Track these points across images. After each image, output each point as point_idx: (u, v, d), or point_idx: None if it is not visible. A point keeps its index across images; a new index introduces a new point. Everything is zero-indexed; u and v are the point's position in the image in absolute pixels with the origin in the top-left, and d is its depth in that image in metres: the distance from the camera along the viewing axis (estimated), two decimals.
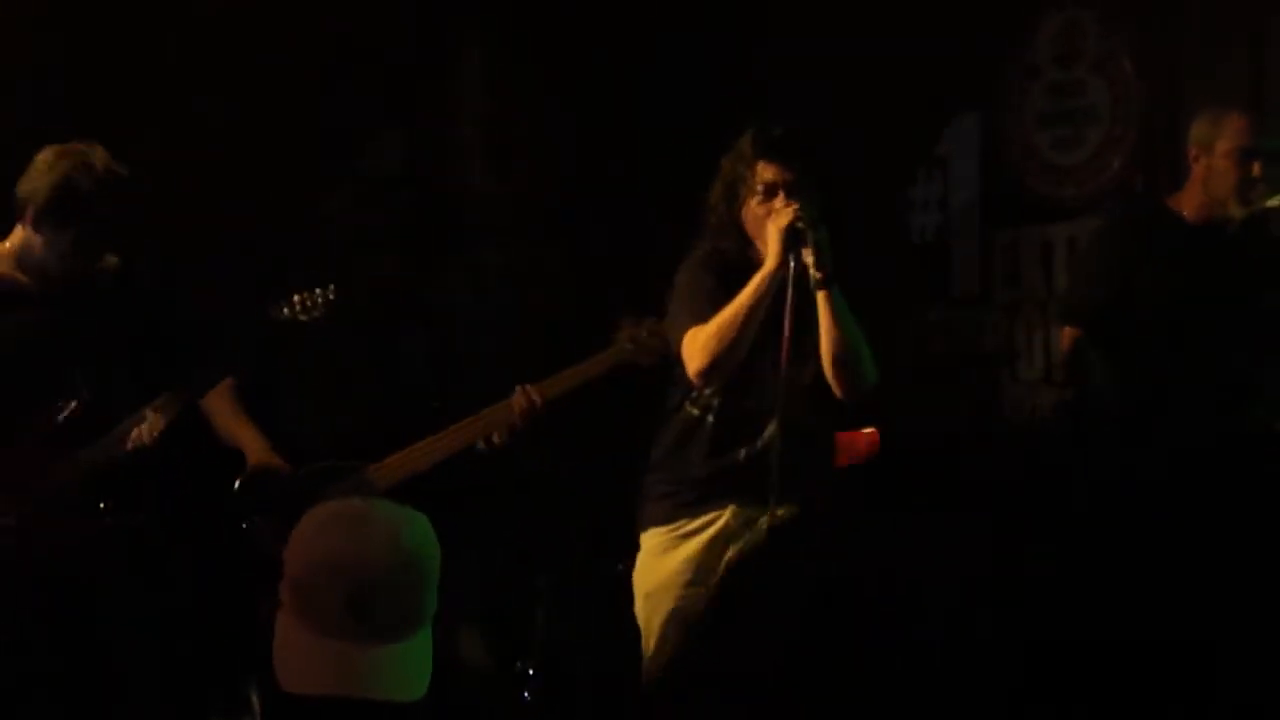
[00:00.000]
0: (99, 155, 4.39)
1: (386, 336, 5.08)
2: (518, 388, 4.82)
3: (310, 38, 5.95)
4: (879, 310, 6.25)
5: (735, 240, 4.31)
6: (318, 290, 4.65)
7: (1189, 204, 4.79)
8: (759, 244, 4.24)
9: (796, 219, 4.08)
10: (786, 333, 4.06)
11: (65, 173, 4.34)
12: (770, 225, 4.14)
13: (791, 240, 4.09)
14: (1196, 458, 0.95)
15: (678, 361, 4.29)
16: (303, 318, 4.64)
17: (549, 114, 6.39)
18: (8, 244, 4.49)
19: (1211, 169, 4.71)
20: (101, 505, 4.50)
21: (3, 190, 4.48)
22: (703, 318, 4.21)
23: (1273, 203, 4.70)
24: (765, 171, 4.23)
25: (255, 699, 4.32)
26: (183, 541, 4.92)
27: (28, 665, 4.33)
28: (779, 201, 4.17)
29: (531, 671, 5.44)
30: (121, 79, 5.53)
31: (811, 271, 4.07)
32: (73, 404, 4.44)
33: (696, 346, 4.19)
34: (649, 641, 4.30)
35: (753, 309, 4.13)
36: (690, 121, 6.18)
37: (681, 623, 4.19)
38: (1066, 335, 4.91)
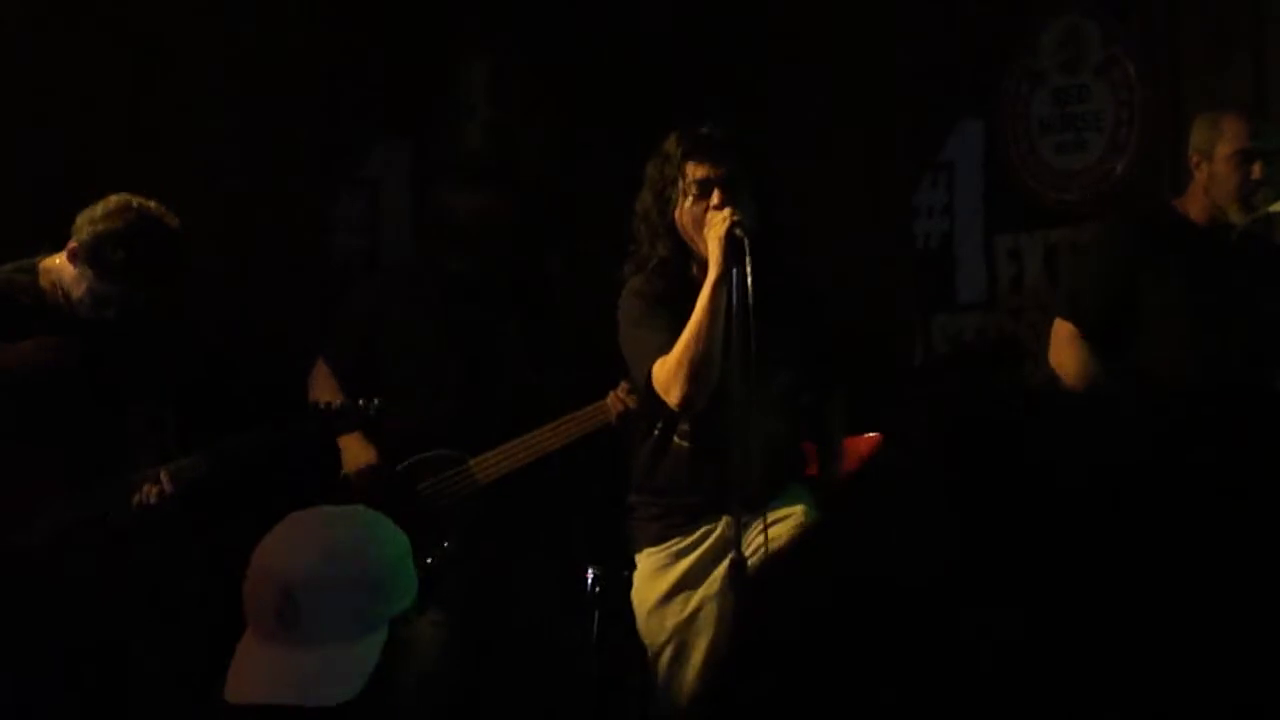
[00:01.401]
0: (159, 213, 4.39)
1: (487, 326, 5.10)
2: (611, 393, 4.84)
3: (314, 48, 5.98)
4: (883, 315, 6.30)
5: (669, 247, 4.20)
6: (361, 402, 4.67)
7: (1193, 208, 4.79)
8: (698, 245, 4.14)
9: (734, 226, 4.01)
10: (736, 342, 3.99)
11: (123, 226, 4.35)
12: (709, 234, 4.04)
13: (732, 248, 3.99)
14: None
15: (647, 395, 4.21)
16: (343, 423, 4.71)
17: (552, 122, 6.40)
18: (53, 262, 4.49)
19: (1213, 174, 4.70)
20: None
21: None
22: (663, 346, 4.11)
23: (1276, 208, 4.69)
24: (696, 171, 4.14)
25: None
26: (200, 543, 4.94)
27: (47, 676, 4.34)
28: (715, 200, 4.07)
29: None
30: (123, 91, 5.55)
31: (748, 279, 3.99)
32: (95, 437, 4.46)
33: (669, 378, 4.08)
34: (658, 659, 4.27)
35: (710, 324, 4.02)
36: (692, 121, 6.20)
37: (687, 637, 4.16)
38: (1062, 329, 4.85)
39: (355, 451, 4.94)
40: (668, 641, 4.21)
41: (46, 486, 4.38)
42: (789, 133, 6.28)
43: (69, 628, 4.37)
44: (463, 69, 6.39)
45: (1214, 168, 4.69)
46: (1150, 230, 4.83)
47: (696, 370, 4.04)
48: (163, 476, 4.43)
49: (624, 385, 4.85)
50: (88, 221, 4.38)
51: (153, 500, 4.41)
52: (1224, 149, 4.68)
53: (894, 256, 6.35)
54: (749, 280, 3.96)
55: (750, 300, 3.97)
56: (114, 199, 4.40)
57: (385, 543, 2.30)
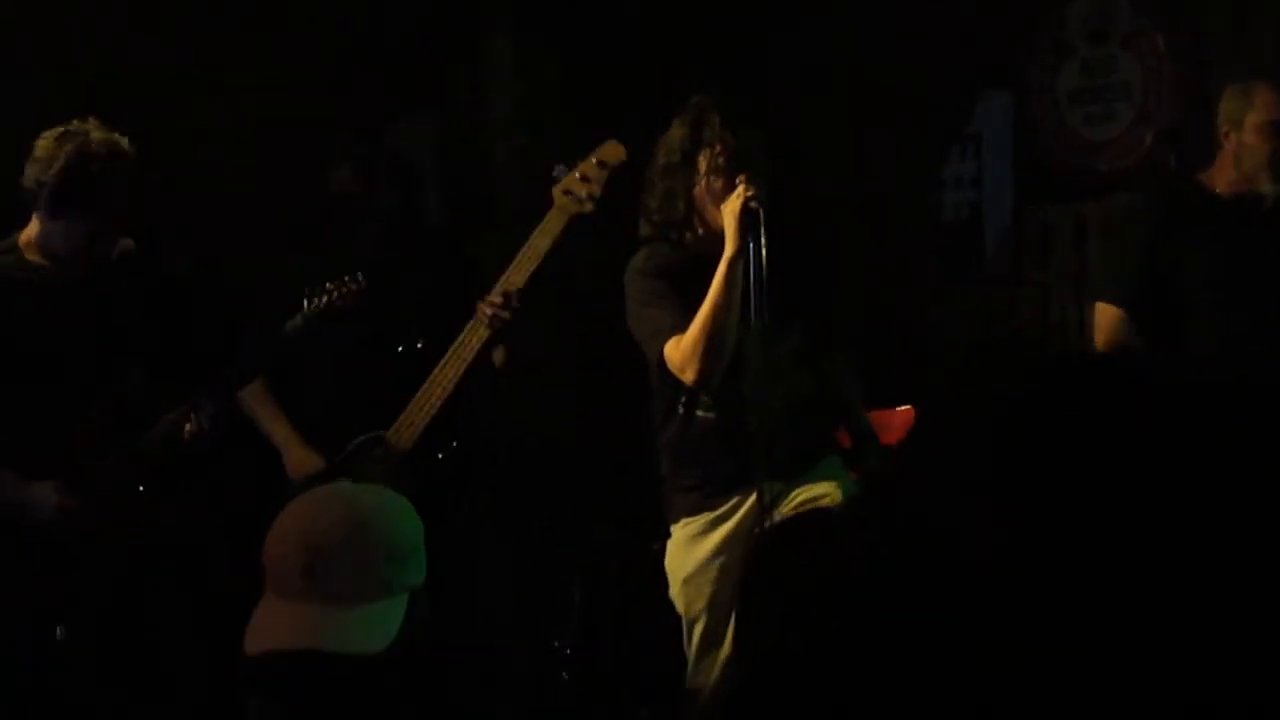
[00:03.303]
0: (97, 132, 4.38)
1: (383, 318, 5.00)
2: (479, 304, 4.62)
3: (339, 22, 5.99)
4: (912, 289, 6.29)
5: (682, 211, 4.23)
6: (347, 279, 4.65)
7: (1222, 180, 4.75)
8: (711, 216, 4.17)
9: (749, 200, 4.02)
10: (754, 313, 4.01)
11: (71, 156, 4.32)
12: (725, 210, 4.06)
13: (749, 222, 4.01)
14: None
15: (659, 369, 4.24)
16: (339, 305, 4.65)
17: (577, 96, 6.40)
18: (28, 233, 4.48)
19: (1242, 144, 4.67)
20: (142, 488, 4.55)
21: (10, 186, 4.51)
22: (675, 325, 4.15)
23: None
24: (730, 144, 4.17)
25: None
26: (222, 527, 4.97)
27: (74, 653, 4.38)
28: (741, 178, 4.07)
29: (569, 651, 5.47)
30: (146, 59, 5.56)
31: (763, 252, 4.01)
32: (119, 393, 4.49)
33: (685, 356, 4.12)
34: (693, 628, 4.29)
35: (727, 302, 4.06)
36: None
37: (723, 605, 4.19)
38: (1107, 313, 4.79)
39: (298, 457, 4.88)
40: (704, 609, 4.24)
41: (50, 453, 4.40)
42: (815, 104, 6.27)
43: (89, 593, 4.40)
44: (488, 44, 6.39)
45: (1244, 138, 4.66)
46: (1177, 205, 4.79)
47: (711, 348, 4.09)
48: (203, 402, 4.46)
49: (495, 292, 4.69)
50: (51, 173, 4.34)
51: (206, 425, 4.44)
52: (1254, 119, 4.64)
53: (922, 228, 6.33)
54: (764, 252, 3.99)
55: (765, 272, 3.99)
56: (39, 144, 4.37)
57: (406, 518, 2.38)
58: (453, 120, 6.36)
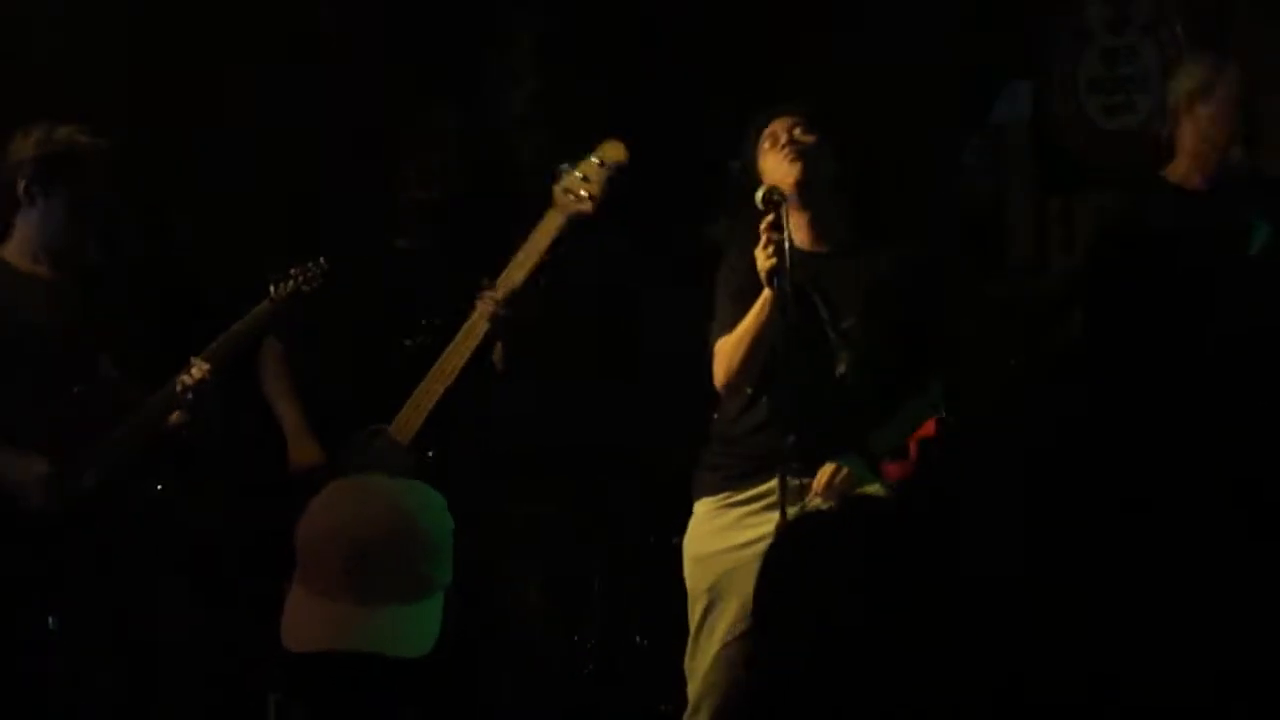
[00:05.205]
0: (64, 126, 4.45)
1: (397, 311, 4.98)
2: (478, 298, 4.64)
3: (362, 12, 6.00)
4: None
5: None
6: (310, 264, 4.66)
7: (1176, 174, 4.73)
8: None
9: (772, 264, 4.05)
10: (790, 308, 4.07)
11: (37, 139, 4.42)
12: (758, 257, 4.09)
13: (775, 278, 4.06)
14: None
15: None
16: (305, 289, 4.65)
17: (598, 89, 6.40)
18: (17, 236, 4.53)
19: (1180, 150, 4.68)
20: (160, 487, 4.58)
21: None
22: (727, 324, 4.26)
23: None
24: (777, 125, 4.28)
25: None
26: (233, 514, 4.99)
27: (80, 644, 4.39)
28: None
29: (591, 644, 5.49)
30: (163, 64, 5.58)
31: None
32: (92, 384, 4.49)
33: (718, 361, 4.27)
34: (695, 606, 4.34)
35: (755, 335, 4.16)
36: (739, 92, 6.18)
37: (725, 591, 4.26)
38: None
39: (302, 447, 4.88)
40: (705, 590, 4.33)
41: (36, 444, 4.42)
42: (834, 96, 6.26)
43: (90, 582, 4.42)
44: (508, 36, 6.39)
45: (1179, 149, 4.67)
46: (1144, 200, 4.76)
47: (735, 368, 4.22)
48: (195, 361, 4.48)
49: (495, 289, 4.66)
50: (22, 160, 4.44)
51: (192, 382, 4.45)
52: (1188, 143, 4.66)
53: (942, 219, 6.32)
54: (788, 245, 4.04)
55: (788, 262, 4.04)
56: (21, 135, 4.46)
57: (440, 512, 2.34)
58: (471, 113, 6.36)
